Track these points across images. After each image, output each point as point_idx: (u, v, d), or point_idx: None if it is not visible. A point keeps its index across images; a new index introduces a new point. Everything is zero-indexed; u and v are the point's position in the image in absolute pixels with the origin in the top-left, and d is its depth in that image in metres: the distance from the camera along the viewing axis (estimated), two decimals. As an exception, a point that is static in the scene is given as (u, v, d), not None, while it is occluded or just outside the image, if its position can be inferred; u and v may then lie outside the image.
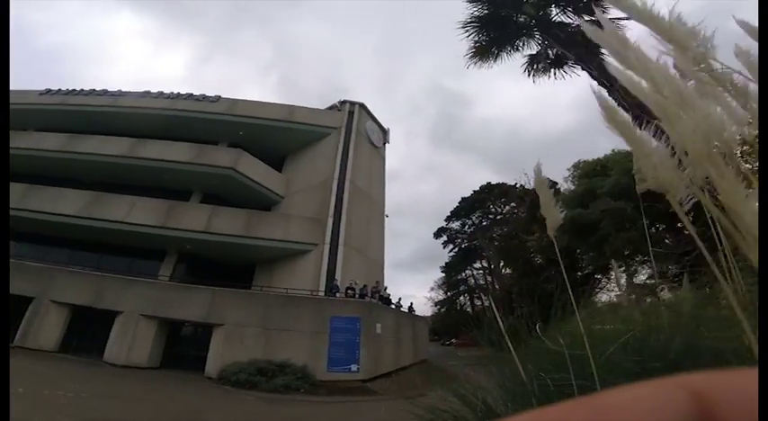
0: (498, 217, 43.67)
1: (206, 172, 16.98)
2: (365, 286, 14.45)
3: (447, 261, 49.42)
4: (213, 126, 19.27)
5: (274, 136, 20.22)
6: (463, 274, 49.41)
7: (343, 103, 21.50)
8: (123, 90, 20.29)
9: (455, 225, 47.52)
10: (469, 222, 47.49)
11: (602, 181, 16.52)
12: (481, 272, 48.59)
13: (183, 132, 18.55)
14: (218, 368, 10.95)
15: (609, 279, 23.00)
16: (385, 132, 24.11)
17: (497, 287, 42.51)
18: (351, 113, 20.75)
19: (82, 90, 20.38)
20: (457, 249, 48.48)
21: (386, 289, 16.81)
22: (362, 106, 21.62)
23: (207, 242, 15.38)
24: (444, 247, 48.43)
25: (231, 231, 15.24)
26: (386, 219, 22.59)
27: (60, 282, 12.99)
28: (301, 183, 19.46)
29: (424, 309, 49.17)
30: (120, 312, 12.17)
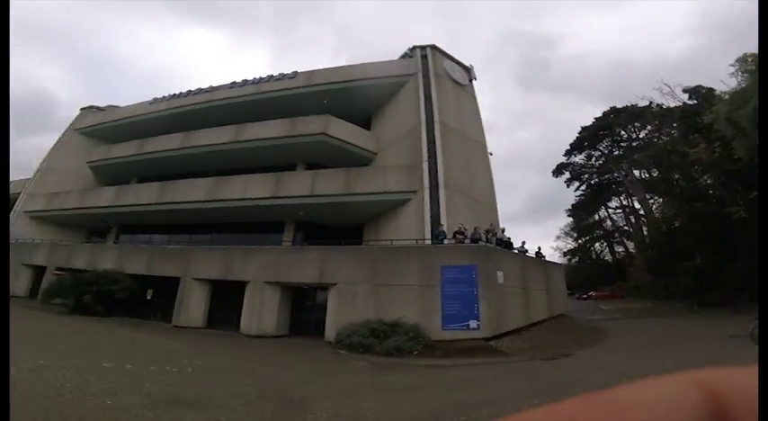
0: (634, 143, 34.97)
1: (302, 142, 17.62)
2: (476, 229, 12.83)
3: (573, 202, 42.65)
4: (299, 100, 19.84)
5: (356, 96, 19.74)
6: (597, 216, 42.09)
7: (413, 49, 19.58)
8: (213, 85, 22.44)
9: (578, 158, 40.15)
10: (596, 154, 39.58)
11: None
12: (620, 211, 40.48)
13: (275, 112, 19.52)
14: (336, 331, 10.65)
15: None
16: (468, 69, 21.09)
17: (646, 227, 34.75)
18: (424, 57, 18.73)
19: (181, 93, 23.32)
20: (585, 187, 41.24)
21: (503, 231, 14.81)
22: (435, 48, 19.28)
23: (314, 205, 16.06)
24: (568, 186, 41.80)
25: (332, 191, 15.52)
26: (491, 157, 20.06)
27: (197, 260, 14.11)
28: (391, 136, 18.63)
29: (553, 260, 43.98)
30: (248, 282, 12.74)
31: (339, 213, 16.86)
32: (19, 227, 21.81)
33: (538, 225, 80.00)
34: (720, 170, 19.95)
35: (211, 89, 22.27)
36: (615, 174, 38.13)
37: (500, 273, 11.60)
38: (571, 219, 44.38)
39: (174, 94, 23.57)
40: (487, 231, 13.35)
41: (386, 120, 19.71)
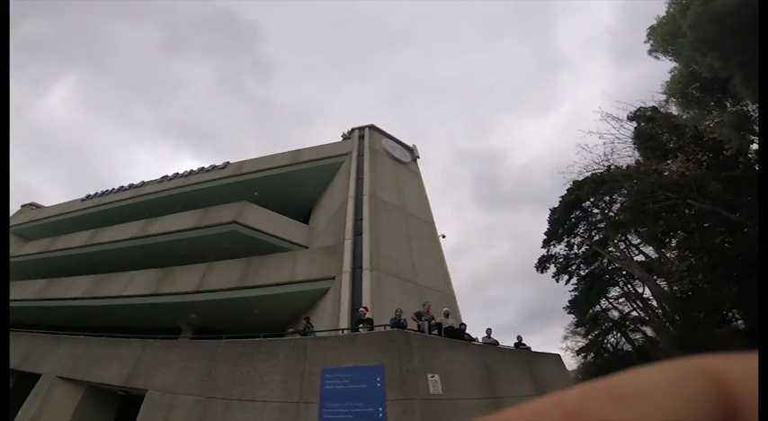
0: (612, 217, 33.28)
1: (212, 234, 15.02)
2: (398, 312, 9.07)
3: (570, 298, 38.06)
4: (226, 191, 18.32)
5: (289, 185, 18.42)
6: (599, 306, 36.93)
7: (351, 130, 19.58)
8: (145, 181, 21.59)
9: (559, 249, 37.47)
10: (576, 240, 37.28)
11: None
12: (623, 300, 35.75)
13: (199, 205, 17.73)
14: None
15: None
16: (410, 149, 20.87)
17: (658, 305, 29.78)
18: (361, 137, 18.47)
19: (112, 189, 22.32)
20: (576, 279, 37.43)
21: (447, 316, 10.79)
22: (373, 127, 19.35)
23: (205, 304, 12.39)
24: (557, 280, 37.78)
25: (226, 285, 12.08)
26: (442, 240, 17.38)
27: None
28: (322, 223, 16.36)
29: (570, 362, 36.82)
30: (39, 375, 9.55)
31: (241, 314, 12.93)
32: None
33: (537, 333, 72.31)
34: (718, 181, 16.52)
35: (142, 184, 21.35)
36: (604, 261, 35.09)
37: (433, 378, 7.29)
38: (572, 315, 38.98)
39: (105, 191, 22.58)
40: (418, 314, 9.53)
41: (322, 208, 17.82)
